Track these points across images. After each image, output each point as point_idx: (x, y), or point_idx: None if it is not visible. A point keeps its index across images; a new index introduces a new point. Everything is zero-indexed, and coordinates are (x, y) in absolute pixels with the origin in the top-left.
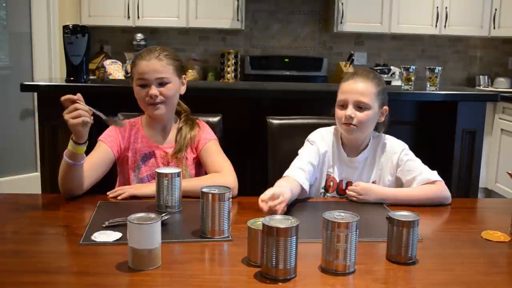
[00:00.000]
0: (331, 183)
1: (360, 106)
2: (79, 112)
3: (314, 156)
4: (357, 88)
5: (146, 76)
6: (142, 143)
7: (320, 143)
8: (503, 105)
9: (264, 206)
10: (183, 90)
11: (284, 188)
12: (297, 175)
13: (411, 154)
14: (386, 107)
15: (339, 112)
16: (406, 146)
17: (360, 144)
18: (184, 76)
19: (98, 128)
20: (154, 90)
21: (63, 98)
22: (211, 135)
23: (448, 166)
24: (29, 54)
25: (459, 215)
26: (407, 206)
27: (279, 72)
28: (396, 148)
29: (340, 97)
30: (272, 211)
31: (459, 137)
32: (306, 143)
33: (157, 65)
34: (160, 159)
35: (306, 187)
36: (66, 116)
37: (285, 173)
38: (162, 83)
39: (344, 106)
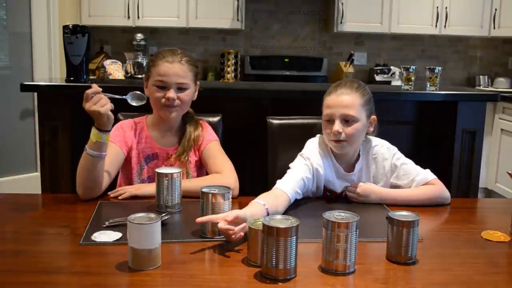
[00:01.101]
0: (328, 193)
1: (347, 120)
2: (105, 100)
3: (308, 173)
4: (342, 101)
5: (167, 79)
6: (146, 144)
7: (314, 160)
8: (503, 105)
9: (221, 226)
10: (195, 96)
11: (255, 209)
12: (288, 189)
13: (402, 157)
14: (374, 117)
15: (326, 128)
16: (396, 150)
17: (351, 156)
18: (198, 82)
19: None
20: (172, 94)
21: (91, 91)
22: (213, 136)
23: (448, 166)
24: (29, 54)
25: (459, 215)
26: (407, 206)
27: (279, 72)
28: (386, 154)
29: (326, 111)
30: (226, 234)
31: (459, 137)
32: (299, 158)
33: (179, 69)
34: (163, 160)
35: (292, 200)
36: (94, 106)
37: (276, 185)
38: (181, 88)
39: (330, 121)
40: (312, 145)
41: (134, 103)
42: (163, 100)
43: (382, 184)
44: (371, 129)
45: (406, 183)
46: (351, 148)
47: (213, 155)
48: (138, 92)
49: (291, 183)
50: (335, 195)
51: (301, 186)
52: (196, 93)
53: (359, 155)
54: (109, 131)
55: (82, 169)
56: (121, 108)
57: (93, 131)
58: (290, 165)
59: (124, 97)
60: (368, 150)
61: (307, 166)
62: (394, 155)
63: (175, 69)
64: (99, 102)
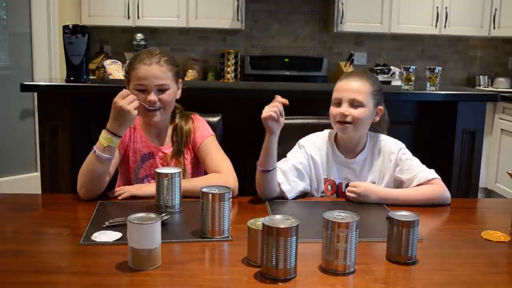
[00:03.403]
0: (329, 187)
1: (354, 104)
2: (138, 103)
3: (301, 161)
4: (352, 86)
5: (146, 82)
6: (141, 144)
7: (310, 147)
8: (503, 105)
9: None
10: (179, 94)
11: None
12: (278, 176)
13: (409, 153)
14: (381, 107)
15: (333, 110)
16: (403, 145)
17: (356, 145)
18: (180, 80)
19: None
20: (153, 97)
21: (128, 92)
22: (207, 131)
23: (448, 166)
24: (29, 54)
25: (459, 215)
26: (407, 206)
27: (279, 72)
28: (393, 148)
29: (335, 95)
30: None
31: (459, 137)
32: (295, 146)
33: (157, 71)
34: (159, 159)
35: (285, 188)
36: (129, 106)
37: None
38: (161, 90)
39: (339, 104)
40: (311, 136)
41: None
42: (145, 103)
43: (388, 177)
44: (377, 118)
45: (409, 178)
46: (355, 133)
47: (210, 152)
48: None
49: (283, 172)
50: (335, 190)
51: (293, 174)
52: (180, 91)
53: (364, 147)
54: (121, 136)
55: (88, 170)
56: None
57: (105, 135)
58: (288, 154)
59: (147, 106)
60: (375, 144)
61: (301, 154)
62: (401, 149)
63: (154, 71)
64: (133, 103)
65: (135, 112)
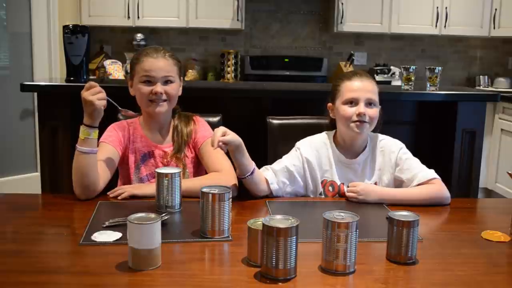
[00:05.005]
0: (330, 188)
1: (370, 103)
2: (104, 95)
3: (294, 163)
4: (367, 87)
5: (153, 73)
6: (141, 143)
7: (305, 150)
8: (503, 105)
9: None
10: (180, 91)
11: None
12: (268, 174)
13: (409, 153)
14: (380, 106)
15: (348, 110)
16: (403, 145)
17: (359, 146)
18: (182, 78)
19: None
20: (159, 88)
21: (94, 83)
22: (209, 132)
23: (448, 166)
24: (29, 54)
25: (459, 215)
26: (407, 206)
27: (279, 72)
28: (393, 147)
29: (351, 95)
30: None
31: (459, 137)
32: (292, 149)
33: (164, 63)
34: (159, 158)
35: (273, 187)
36: (92, 97)
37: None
38: (167, 82)
39: (353, 103)
40: (308, 138)
41: (122, 113)
42: (150, 95)
43: (388, 176)
44: (378, 116)
45: (409, 178)
46: (368, 131)
47: (211, 153)
48: (131, 112)
49: (274, 171)
50: (337, 191)
51: (284, 175)
52: (181, 88)
53: (365, 147)
54: (96, 127)
55: (76, 168)
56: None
57: (81, 129)
58: (284, 155)
59: (119, 108)
60: (375, 144)
61: (295, 156)
62: (401, 149)
63: (160, 63)
64: (97, 95)
65: (100, 102)
